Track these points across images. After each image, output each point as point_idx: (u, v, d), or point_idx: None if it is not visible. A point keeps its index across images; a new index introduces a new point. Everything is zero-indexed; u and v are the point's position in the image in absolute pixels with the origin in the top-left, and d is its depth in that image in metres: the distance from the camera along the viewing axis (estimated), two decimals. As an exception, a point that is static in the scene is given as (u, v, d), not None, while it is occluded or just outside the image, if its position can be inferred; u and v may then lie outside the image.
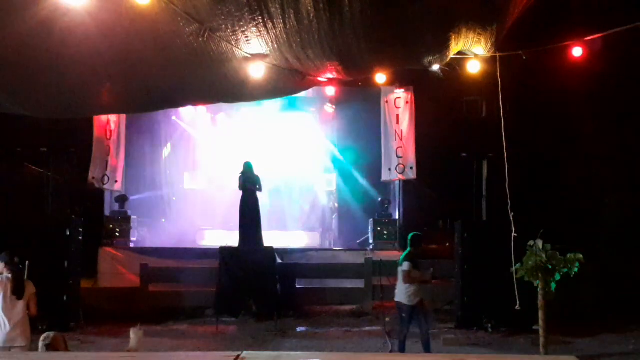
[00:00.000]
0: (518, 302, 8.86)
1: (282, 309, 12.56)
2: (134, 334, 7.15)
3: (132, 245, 14.67)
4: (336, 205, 16.70)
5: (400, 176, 14.71)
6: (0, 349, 7.06)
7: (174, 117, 16.61)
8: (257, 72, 7.67)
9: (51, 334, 6.28)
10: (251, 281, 12.61)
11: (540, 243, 8.44)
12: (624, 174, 13.71)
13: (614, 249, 12.91)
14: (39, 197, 13.58)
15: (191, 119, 16.83)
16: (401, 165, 14.57)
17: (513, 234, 8.86)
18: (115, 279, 13.92)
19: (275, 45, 7.21)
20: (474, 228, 12.52)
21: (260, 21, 6.83)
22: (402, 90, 14.62)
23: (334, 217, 16.64)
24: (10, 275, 7.31)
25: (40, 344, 6.16)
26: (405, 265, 9.40)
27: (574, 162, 13.66)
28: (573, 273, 8.42)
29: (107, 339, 10.99)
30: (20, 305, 7.29)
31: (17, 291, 7.28)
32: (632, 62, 12.26)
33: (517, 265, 8.61)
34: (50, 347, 6.12)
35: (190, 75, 7.90)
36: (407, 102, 14.68)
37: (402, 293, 9.46)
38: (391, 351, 10.41)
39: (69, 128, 13.19)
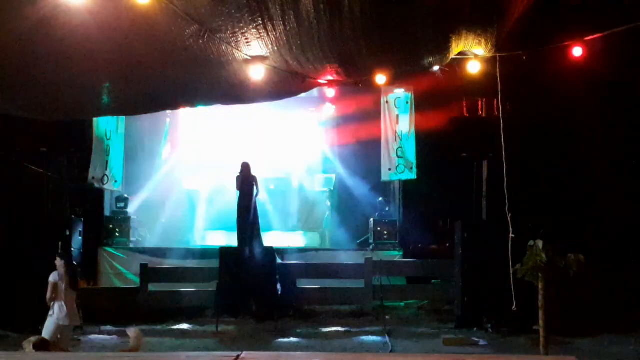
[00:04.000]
0: (514, 303, 8.90)
1: (282, 309, 12.56)
2: (131, 334, 7.22)
3: (132, 245, 14.64)
4: (334, 204, 16.67)
5: (400, 176, 14.73)
6: (62, 327, 8.61)
7: (173, 118, 16.59)
8: (257, 74, 7.66)
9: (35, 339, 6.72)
10: (251, 281, 12.63)
11: (540, 243, 8.43)
12: (624, 174, 13.69)
13: (614, 249, 12.90)
14: (39, 197, 13.53)
15: (191, 119, 16.83)
16: (401, 165, 14.59)
17: (510, 235, 8.90)
18: (115, 279, 13.95)
19: (275, 48, 7.21)
20: (473, 228, 12.52)
21: (260, 23, 6.82)
22: (402, 90, 14.61)
23: (331, 216, 16.61)
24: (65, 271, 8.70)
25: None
26: None
27: (573, 162, 13.62)
28: (573, 273, 8.43)
29: (107, 339, 11.00)
30: (74, 294, 8.79)
31: (73, 284, 8.77)
32: (632, 62, 12.23)
33: (518, 265, 8.62)
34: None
35: (190, 77, 7.89)
36: (407, 102, 14.70)
37: None
38: (391, 351, 10.43)
39: (69, 128, 13.13)
